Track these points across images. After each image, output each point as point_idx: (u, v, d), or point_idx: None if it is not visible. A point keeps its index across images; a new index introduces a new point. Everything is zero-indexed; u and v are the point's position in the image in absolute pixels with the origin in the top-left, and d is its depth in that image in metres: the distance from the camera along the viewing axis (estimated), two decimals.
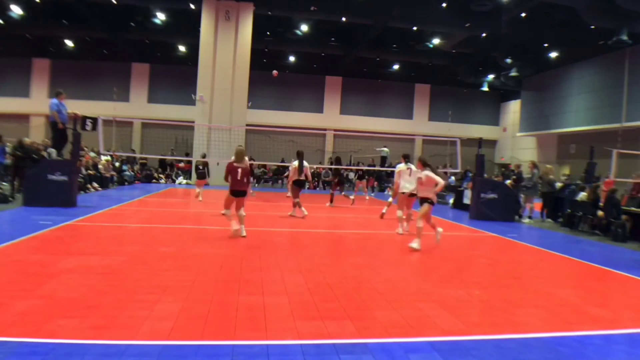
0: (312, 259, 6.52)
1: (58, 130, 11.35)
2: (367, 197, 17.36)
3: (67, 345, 3.19)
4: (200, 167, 14.14)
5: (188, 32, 23.08)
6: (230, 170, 7.74)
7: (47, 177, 10.43)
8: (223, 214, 8.09)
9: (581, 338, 3.87)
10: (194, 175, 21.36)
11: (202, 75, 20.90)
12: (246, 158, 8.11)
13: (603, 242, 9.63)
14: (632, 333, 4.11)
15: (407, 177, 8.99)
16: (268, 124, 24.20)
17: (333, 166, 16.02)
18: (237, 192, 7.81)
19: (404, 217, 9.20)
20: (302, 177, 10.88)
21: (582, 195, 12.20)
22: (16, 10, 20.95)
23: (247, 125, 21.00)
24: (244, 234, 7.81)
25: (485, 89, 29.41)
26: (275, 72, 13.58)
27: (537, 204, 13.31)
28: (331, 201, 13.91)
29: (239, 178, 7.70)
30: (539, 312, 4.54)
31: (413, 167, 9.05)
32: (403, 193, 9.06)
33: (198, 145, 19.66)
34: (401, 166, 9.30)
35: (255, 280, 5.13)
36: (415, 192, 8.66)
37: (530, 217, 12.71)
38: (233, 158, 8.02)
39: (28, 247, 6.26)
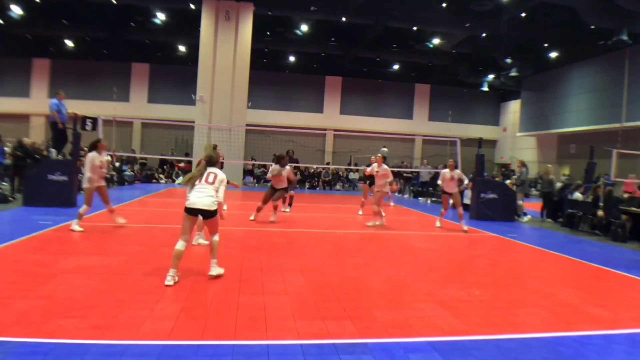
0: (312, 259, 6.52)
1: (58, 130, 11.35)
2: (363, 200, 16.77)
3: (67, 345, 3.19)
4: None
5: (188, 32, 23.06)
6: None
7: (47, 177, 10.43)
8: None
9: (581, 338, 3.87)
10: None
11: (202, 75, 20.88)
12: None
13: (603, 242, 9.63)
14: (632, 333, 4.12)
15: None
16: (268, 124, 24.20)
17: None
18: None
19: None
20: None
21: (577, 195, 12.23)
22: (16, 10, 20.93)
23: (247, 125, 21.00)
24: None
25: (485, 89, 29.41)
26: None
27: (536, 204, 13.31)
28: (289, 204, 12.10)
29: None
30: (539, 312, 4.54)
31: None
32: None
33: (198, 145, 19.66)
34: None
35: (255, 280, 5.13)
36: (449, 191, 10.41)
37: (525, 214, 12.74)
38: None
39: (28, 247, 6.25)
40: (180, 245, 4.95)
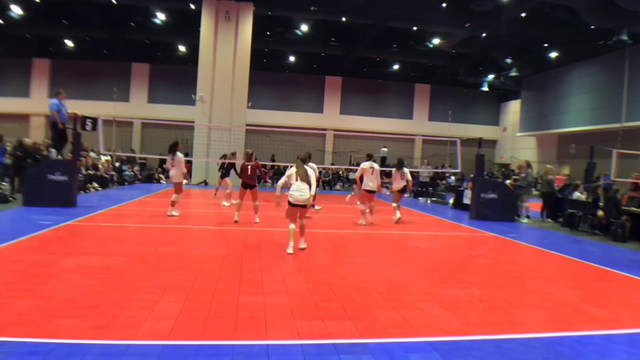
0: (312, 259, 6.52)
1: (58, 130, 11.34)
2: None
3: (67, 345, 3.19)
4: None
5: (188, 32, 23.08)
6: (242, 168, 9.81)
7: (47, 177, 10.43)
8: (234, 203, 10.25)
9: (581, 338, 3.87)
10: (193, 175, 21.44)
11: (202, 75, 20.89)
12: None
13: (603, 242, 9.62)
14: (632, 333, 4.11)
15: (370, 176, 10.10)
16: (268, 124, 24.20)
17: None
18: (247, 185, 9.71)
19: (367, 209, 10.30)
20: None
21: (577, 195, 12.21)
22: (16, 10, 20.95)
23: (247, 125, 21.00)
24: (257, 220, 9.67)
25: (485, 89, 29.42)
26: None
27: (536, 204, 13.29)
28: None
29: (249, 174, 9.60)
30: (539, 312, 4.54)
31: (376, 165, 10.31)
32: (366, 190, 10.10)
33: (198, 145, 19.66)
34: (365, 165, 10.17)
35: (255, 280, 5.13)
36: (374, 190, 10.17)
37: (528, 217, 12.68)
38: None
39: (28, 247, 6.25)
40: (292, 226, 6.80)
